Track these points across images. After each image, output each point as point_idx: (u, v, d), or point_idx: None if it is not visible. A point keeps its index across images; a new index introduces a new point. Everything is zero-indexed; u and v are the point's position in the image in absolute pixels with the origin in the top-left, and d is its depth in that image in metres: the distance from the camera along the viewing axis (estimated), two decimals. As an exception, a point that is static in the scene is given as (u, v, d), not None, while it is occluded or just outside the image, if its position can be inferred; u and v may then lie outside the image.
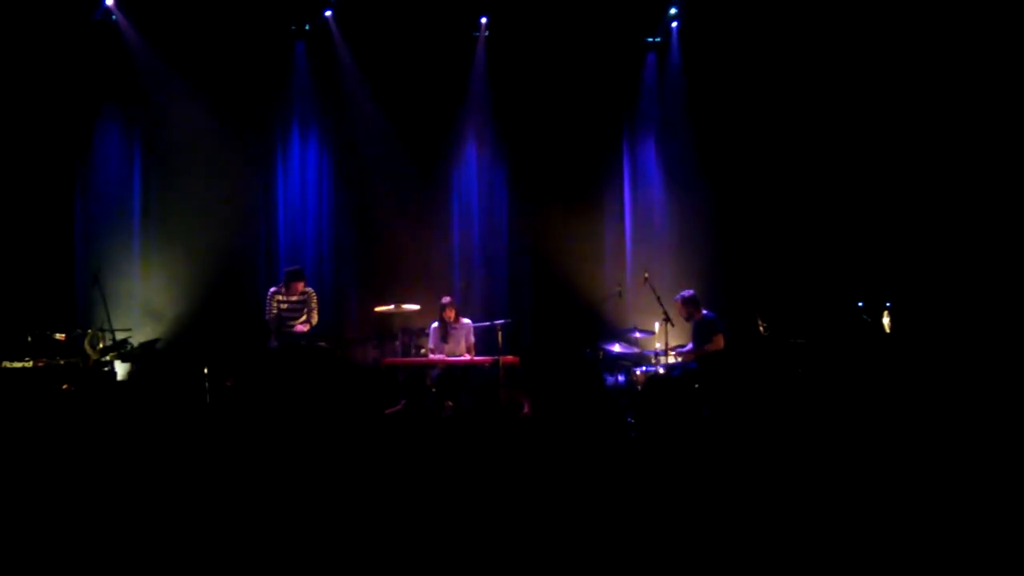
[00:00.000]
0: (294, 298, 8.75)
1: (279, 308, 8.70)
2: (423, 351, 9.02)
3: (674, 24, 10.54)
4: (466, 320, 9.10)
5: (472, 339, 9.01)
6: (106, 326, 8.52)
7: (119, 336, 8.56)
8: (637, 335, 9.02)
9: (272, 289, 8.81)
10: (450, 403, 8.46)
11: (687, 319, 8.74)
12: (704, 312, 8.71)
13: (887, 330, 8.45)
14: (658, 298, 8.62)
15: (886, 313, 8.51)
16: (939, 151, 9.39)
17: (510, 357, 8.65)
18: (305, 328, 8.72)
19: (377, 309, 9.32)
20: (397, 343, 9.15)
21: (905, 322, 8.47)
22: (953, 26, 9.20)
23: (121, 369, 8.71)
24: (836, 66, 9.80)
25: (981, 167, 9.17)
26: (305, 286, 8.84)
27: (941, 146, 9.39)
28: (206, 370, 8.77)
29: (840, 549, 2.71)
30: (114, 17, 9.68)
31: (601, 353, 9.03)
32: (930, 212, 9.38)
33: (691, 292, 8.78)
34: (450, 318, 8.93)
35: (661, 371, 8.57)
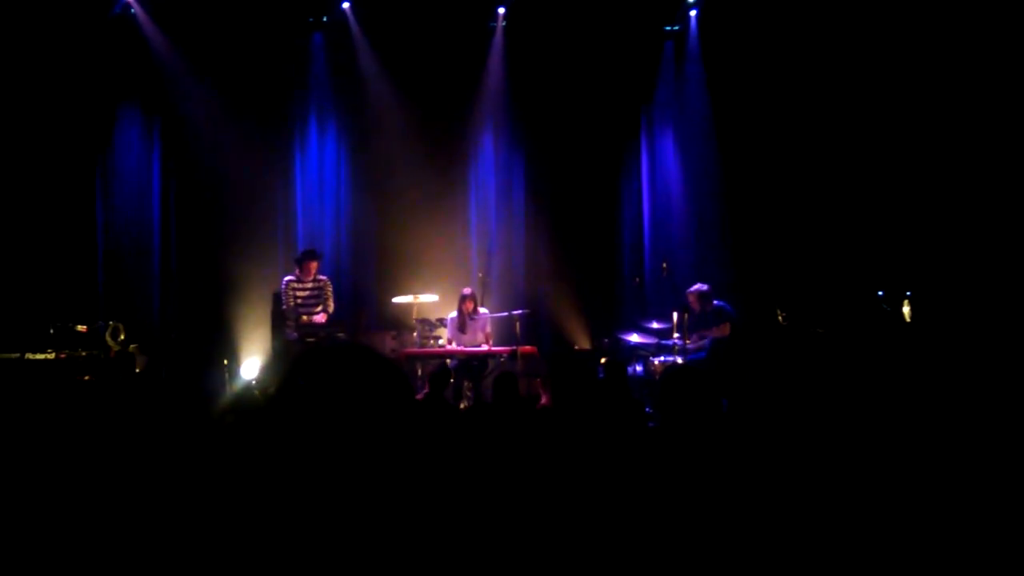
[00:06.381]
0: (309, 285, 8.81)
1: (295, 297, 8.76)
2: (440, 341, 9.05)
3: (692, 12, 10.47)
4: (483, 310, 9.12)
5: (489, 329, 9.02)
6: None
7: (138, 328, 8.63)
8: (655, 325, 9.01)
9: (287, 278, 8.87)
10: (469, 393, 8.49)
11: (698, 312, 8.73)
12: (716, 303, 8.69)
13: (907, 319, 8.39)
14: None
15: (906, 302, 8.44)
16: (960, 138, 9.28)
17: (528, 347, 8.66)
18: (323, 318, 8.79)
19: (395, 300, 9.37)
20: (415, 334, 9.18)
21: (925, 311, 8.40)
22: (980, 10, 9.08)
23: (141, 361, 8.78)
24: (857, 54, 9.69)
25: (1005, 154, 9.06)
26: (320, 271, 8.91)
27: (962, 133, 9.28)
28: (226, 361, 8.84)
29: (862, 544, 2.70)
30: (133, 11, 9.72)
31: (619, 343, 9.03)
32: (951, 200, 9.28)
33: (706, 286, 8.73)
34: (468, 309, 8.95)
35: (679, 361, 8.55)
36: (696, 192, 10.51)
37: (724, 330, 8.46)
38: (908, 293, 8.50)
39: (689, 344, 8.55)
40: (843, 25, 9.69)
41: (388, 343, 9.47)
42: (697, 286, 8.76)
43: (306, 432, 1.57)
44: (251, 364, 9.43)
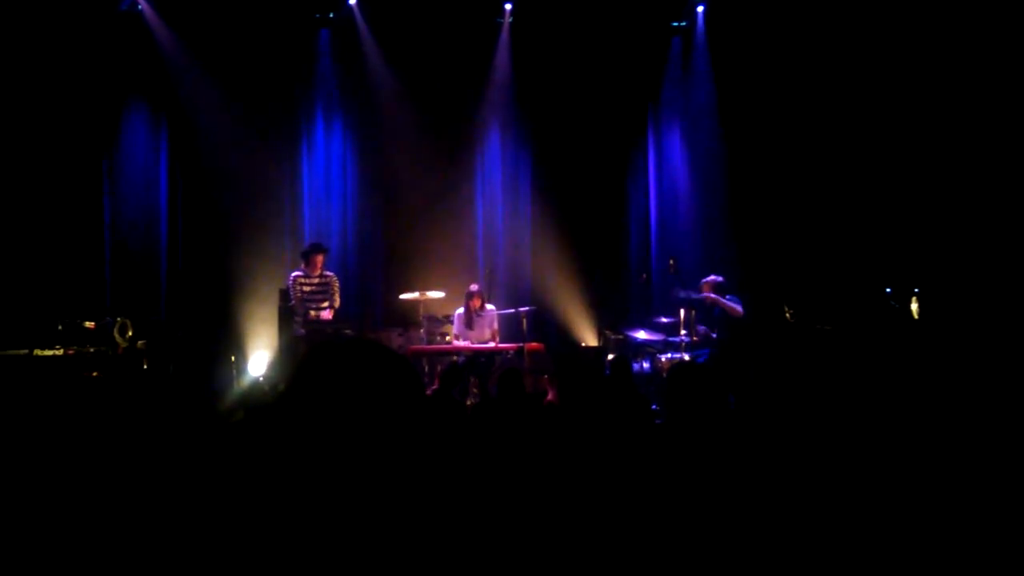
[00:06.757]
0: (316, 280, 8.82)
1: (303, 292, 8.78)
2: (447, 338, 9.05)
3: (700, 8, 10.44)
4: (490, 307, 9.13)
5: (496, 326, 9.03)
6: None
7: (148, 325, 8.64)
8: (663, 321, 9.00)
9: (295, 273, 8.88)
10: (475, 390, 8.50)
11: (711, 304, 8.72)
12: (728, 296, 8.70)
13: (915, 316, 8.36)
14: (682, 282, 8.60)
15: (914, 299, 8.42)
16: (969, 134, 9.23)
17: (535, 344, 8.66)
18: (330, 315, 8.81)
19: (402, 296, 9.37)
20: (421, 330, 9.19)
21: (933, 309, 8.37)
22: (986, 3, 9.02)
23: (149, 357, 8.79)
24: (865, 50, 9.64)
25: (1015, 151, 9.01)
26: (326, 267, 8.93)
27: (971, 129, 9.23)
28: (233, 357, 8.86)
29: (868, 538, 2.70)
30: (140, 7, 9.73)
31: (626, 340, 9.03)
32: (960, 197, 9.24)
33: (721, 278, 8.72)
34: (475, 306, 8.96)
35: (686, 358, 8.55)
36: (703, 188, 10.49)
37: (736, 309, 8.46)
38: (916, 290, 8.47)
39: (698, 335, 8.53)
40: (851, 21, 9.64)
41: (395, 340, 9.48)
42: (712, 277, 8.75)
43: (316, 428, 1.57)
44: (259, 360, 9.45)
